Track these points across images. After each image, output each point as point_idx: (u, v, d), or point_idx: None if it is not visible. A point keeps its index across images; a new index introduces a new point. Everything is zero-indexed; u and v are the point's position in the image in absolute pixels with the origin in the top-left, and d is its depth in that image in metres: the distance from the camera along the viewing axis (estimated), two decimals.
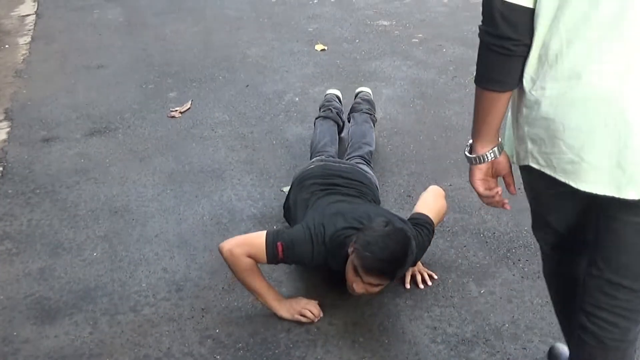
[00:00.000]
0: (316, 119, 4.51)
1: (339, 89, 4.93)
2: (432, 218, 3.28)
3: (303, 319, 3.13)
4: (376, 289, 2.98)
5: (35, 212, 4.07)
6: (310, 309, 3.15)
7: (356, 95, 4.81)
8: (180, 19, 7.49)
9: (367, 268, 2.86)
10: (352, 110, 4.58)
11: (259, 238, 3.08)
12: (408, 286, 3.33)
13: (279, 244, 3.04)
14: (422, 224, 3.24)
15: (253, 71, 6.00)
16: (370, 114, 4.53)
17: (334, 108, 4.55)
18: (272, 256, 3.05)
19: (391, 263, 2.86)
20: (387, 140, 4.67)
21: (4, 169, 4.56)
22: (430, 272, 3.39)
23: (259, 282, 3.15)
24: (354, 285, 2.95)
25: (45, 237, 3.83)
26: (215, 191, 4.20)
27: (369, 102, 4.68)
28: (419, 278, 3.35)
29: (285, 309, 3.16)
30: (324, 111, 4.55)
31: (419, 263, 3.40)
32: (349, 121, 4.55)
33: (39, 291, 3.41)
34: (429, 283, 3.34)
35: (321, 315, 3.15)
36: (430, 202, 3.38)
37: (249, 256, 3.06)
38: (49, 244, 3.77)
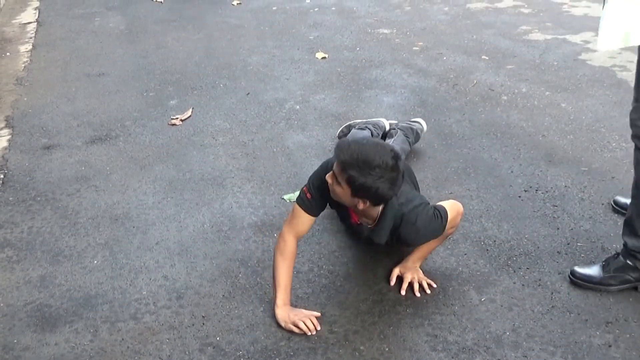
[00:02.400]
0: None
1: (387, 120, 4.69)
2: (449, 213, 3.22)
3: (295, 329, 3.12)
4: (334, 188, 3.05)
5: (36, 219, 4.07)
6: (306, 321, 3.12)
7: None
8: (181, 27, 7.51)
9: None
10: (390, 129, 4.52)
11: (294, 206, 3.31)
12: (404, 292, 3.32)
13: (304, 188, 3.26)
14: (439, 208, 3.21)
15: (254, 79, 6.01)
16: (407, 137, 4.38)
17: (372, 126, 4.42)
18: (302, 201, 3.24)
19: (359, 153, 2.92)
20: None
21: (4, 176, 4.56)
22: (430, 281, 3.38)
23: (281, 275, 3.20)
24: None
25: (46, 244, 3.83)
26: (215, 199, 4.20)
27: (412, 130, 4.48)
28: (416, 286, 3.34)
29: (282, 316, 3.15)
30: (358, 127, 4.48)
31: (419, 271, 3.40)
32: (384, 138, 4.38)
33: (40, 298, 3.41)
34: (427, 291, 3.33)
35: (318, 328, 3.13)
36: (448, 205, 3.32)
37: (292, 231, 3.26)
38: (49, 251, 3.77)
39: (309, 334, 3.11)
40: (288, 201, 4.11)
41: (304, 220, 3.27)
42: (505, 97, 5.41)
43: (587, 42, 6.53)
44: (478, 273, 3.44)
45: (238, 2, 8.47)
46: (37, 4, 8.91)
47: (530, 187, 4.16)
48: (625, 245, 3.29)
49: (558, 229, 3.74)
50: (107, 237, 3.87)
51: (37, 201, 4.26)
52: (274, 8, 8.07)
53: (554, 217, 3.85)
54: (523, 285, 3.34)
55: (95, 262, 3.66)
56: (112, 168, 4.62)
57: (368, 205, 3.05)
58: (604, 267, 3.32)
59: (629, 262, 3.26)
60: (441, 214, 3.19)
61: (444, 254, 3.58)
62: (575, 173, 4.28)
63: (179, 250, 3.72)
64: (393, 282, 3.38)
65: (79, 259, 3.69)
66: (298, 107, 5.38)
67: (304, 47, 6.70)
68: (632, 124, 3.13)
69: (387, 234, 3.24)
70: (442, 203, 3.30)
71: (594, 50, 6.29)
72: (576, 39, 6.65)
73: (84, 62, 6.63)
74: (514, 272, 3.44)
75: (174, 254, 3.69)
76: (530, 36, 6.80)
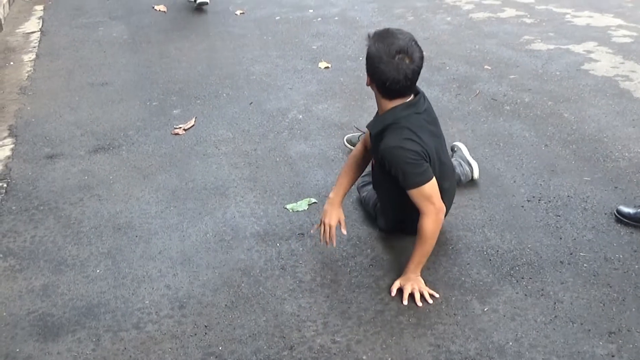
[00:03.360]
0: None
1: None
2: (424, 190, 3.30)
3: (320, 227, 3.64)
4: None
5: (38, 228, 4.08)
6: (326, 228, 3.61)
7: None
8: (184, 37, 7.53)
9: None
10: None
11: None
12: (405, 302, 3.32)
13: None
14: (419, 172, 3.29)
15: (257, 88, 6.02)
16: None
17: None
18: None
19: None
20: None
21: (8, 185, 4.57)
22: (432, 292, 3.37)
23: (343, 177, 3.68)
24: None
25: (49, 253, 3.83)
26: (218, 208, 4.20)
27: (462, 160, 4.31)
28: (417, 295, 3.33)
29: (324, 208, 3.66)
30: None
31: (421, 280, 3.40)
32: None
33: (42, 308, 3.41)
34: (430, 301, 3.33)
35: (332, 243, 3.64)
36: (428, 191, 3.33)
37: (363, 139, 3.68)
38: (52, 260, 3.77)
39: (321, 241, 3.64)
40: (291, 211, 4.11)
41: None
42: (508, 107, 5.41)
43: (589, 52, 6.54)
44: (481, 283, 3.44)
45: (241, 11, 8.48)
46: (41, 13, 8.92)
47: (533, 196, 4.16)
48: None
49: (561, 238, 3.74)
50: (110, 246, 3.87)
51: (40, 210, 4.26)
52: (277, 18, 8.09)
53: (556, 226, 3.85)
54: (526, 295, 3.34)
55: (98, 271, 3.66)
56: (115, 177, 4.63)
57: (372, 85, 3.35)
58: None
59: None
60: (413, 163, 3.26)
61: (447, 264, 3.57)
62: (578, 183, 4.29)
63: (182, 259, 3.72)
64: (394, 293, 3.38)
65: (82, 268, 3.69)
66: (301, 116, 5.38)
67: (307, 56, 6.72)
68: None
69: (378, 128, 3.39)
70: (427, 190, 3.30)
71: (597, 60, 6.30)
72: (579, 49, 6.66)
73: (87, 71, 6.64)
74: (517, 282, 3.43)
75: (176, 263, 3.69)
76: (533, 46, 6.81)
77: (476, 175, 4.33)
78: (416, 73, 3.22)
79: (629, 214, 3.87)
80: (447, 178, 3.59)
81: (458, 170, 4.21)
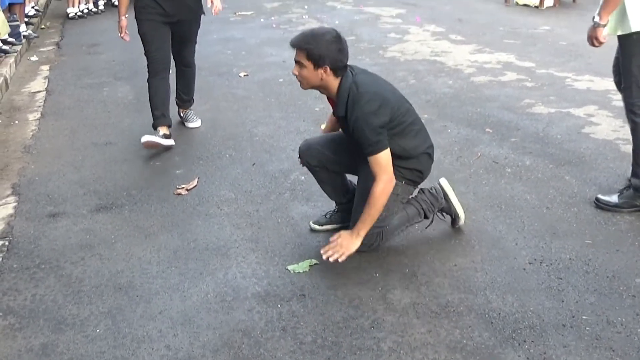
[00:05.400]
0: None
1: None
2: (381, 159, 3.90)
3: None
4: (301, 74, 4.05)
5: (39, 287, 4.07)
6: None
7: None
8: None
9: None
10: None
11: None
12: (324, 257, 3.99)
13: None
14: (379, 139, 3.90)
15: (260, 150, 6.06)
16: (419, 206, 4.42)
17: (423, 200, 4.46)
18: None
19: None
20: None
21: (9, 243, 4.57)
22: (345, 257, 3.99)
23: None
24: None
25: (49, 312, 3.82)
26: (220, 269, 4.20)
27: (435, 197, 4.48)
28: (336, 257, 3.98)
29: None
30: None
31: (355, 245, 4.02)
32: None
33: None
34: (339, 259, 3.98)
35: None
36: (384, 161, 3.93)
37: None
38: (52, 319, 3.75)
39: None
40: (292, 272, 4.11)
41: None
42: (509, 170, 5.44)
43: (590, 115, 6.59)
44: (483, 346, 3.42)
45: (245, 74, 8.58)
46: (47, 73, 9.03)
47: (535, 259, 4.15)
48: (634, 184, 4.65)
49: (563, 301, 3.73)
50: (111, 306, 3.86)
51: (41, 269, 4.26)
52: (281, 80, 8.17)
53: (558, 289, 3.84)
54: (528, 358, 3.32)
55: (98, 330, 3.64)
56: (117, 236, 4.63)
57: (329, 73, 3.93)
58: (619, 196, 4.72)
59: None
60: (374, 132, 3.86)
61: (448, 326, 3.56)
62: (579, 246, 4.29)
63: (182, 320, 3.71)
64: (333, 238, 4.04)
65: (82, 327, 3.68)
66: (303, 177, 5.40)
67: (310, 118, 6.77)
68: (630, 109, 4.58)
69: (344, 106, 3.96)
70: (383, 159, 3.90)
71: (598, 124, 6.35)
72: (579, 112, 6.71)
73: (91, 131, 6.70)
74: (519, 345, 3.41)
75: (177, 324, 3.67)
76: (534, 109, 6.87)
77: (462, 221, 4.51)
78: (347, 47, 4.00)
79: (608, 201, 4.73)
80: (417, 122, 4.18)
81: (442, 204, 4.51)
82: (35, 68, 9.38)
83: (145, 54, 6.13)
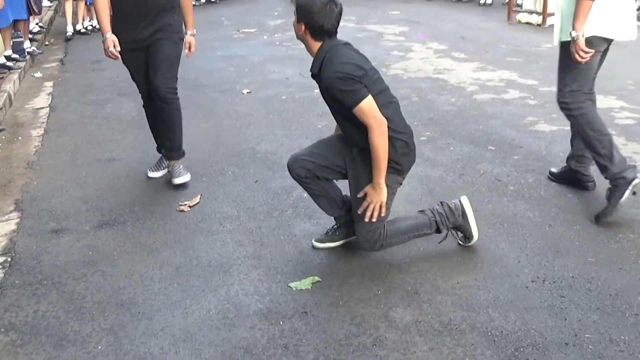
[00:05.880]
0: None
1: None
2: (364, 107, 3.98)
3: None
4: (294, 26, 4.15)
5: (41, 303, 4.07)
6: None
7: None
8: (191, 115, 7.61)
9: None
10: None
11: None
12: (360, 211, 4.15)
13: None
14: (358, 94, 3.98)
15: (262, 167, 6.06)
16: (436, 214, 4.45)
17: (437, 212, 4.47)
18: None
19: None
20: None
21: (12, 259, 4.58)
22: (384, 209, 4.14)
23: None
24: None
25: (51, 328, 3.81)
26: (222, 285, 4.20)
27: (452, 212, 4.48)
28: (373, 214, 4.13)
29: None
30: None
31: (384, 192, 4.10)
32: None
33: None
34: (382, 214, 4.14)
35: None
36: (368, 108, 3.99)
37: None
38: (54, 335, 3.75)
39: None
40: (294, 289, 4.10)
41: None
42: (511, 187, 5.44)
43: None
44: None
45: (248, 91, 8.60)
46: (50, 89, 9.07)
47: (538, 277, 4.15)
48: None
49: (566, 320, 3.72)
50: (112, 322, 3.85)
51: (43, 285, 4.26)
52: (283, 97, 8.19)
53: (561, 307, 3.83)
54: None
55: (100, 347, 3.64)
56: (120, 253, 4.64)
57: (306, 32, 4.09)
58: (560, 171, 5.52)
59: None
60: (350, 84, 3.95)
61: (451, 344, 3.55)
62: (582, 264, 4.28)
63: (184, 337, 3.70)
64: (361, 194, 4.15)
65: (83, 344, 3.67)
66: (305, 195, 5.38)
67: (313, 135, 6.77)
68: (563, 107, 5.03)
69: (319, 63, 4.08)
70: (367, 106, 3.97)
71: None
72: None
73: (94, 147, 6.71)
74: None
75: (179, 341, 3.67)
76: (537, 127, 6.88)
77: (473, 242, 4.51)
78: (340, 15, 4.09)
79: (553, 172, 5.52)
80: (394, 102, 4.25)
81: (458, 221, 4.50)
82: (39, 84, 9.42)
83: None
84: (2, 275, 4.38)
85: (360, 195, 4.17)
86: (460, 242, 4.54)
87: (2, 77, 9.05)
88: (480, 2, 15.46)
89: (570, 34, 4.65)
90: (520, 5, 13.33)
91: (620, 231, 4.66)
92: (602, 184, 5.13)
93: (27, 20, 10.95)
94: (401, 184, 4.33)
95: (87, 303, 4.06)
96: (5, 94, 8.20)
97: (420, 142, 6.52)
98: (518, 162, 5.97)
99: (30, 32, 11.70)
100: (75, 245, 4.76)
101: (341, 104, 4.04)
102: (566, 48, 4.82)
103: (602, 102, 7.56)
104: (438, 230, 4.41)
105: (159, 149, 5.92)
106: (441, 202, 4.48)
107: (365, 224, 4.20)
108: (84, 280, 4.31)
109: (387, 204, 4.18)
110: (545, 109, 7.47)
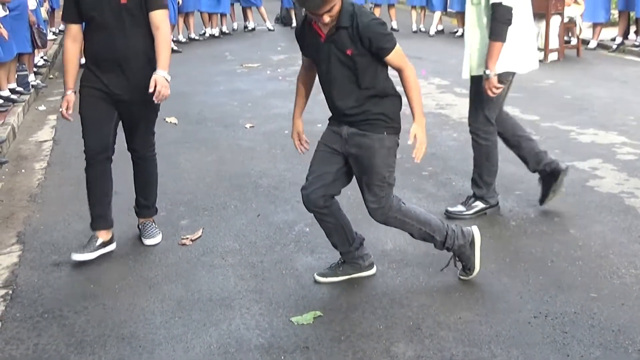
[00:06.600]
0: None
1: None
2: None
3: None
4: (321, 19, 4.00)
5: (42, 336, 4.06)
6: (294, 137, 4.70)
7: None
8: (194, 148, 7.65)
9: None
10: None
11: None
12: (411, 142, 4.25)
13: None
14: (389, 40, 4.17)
15: (264, 201, 6.07)
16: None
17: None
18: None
19: None
20: (397, 272, 4.68)
21: (13, 292, 4.57)
22: (423, 151, 4.29)
23: (299, 99, 4.64)
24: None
25: None
26: (223, 320, 4.19)
27: (464, 236, 4.49)
28: (420, 154, 4.28)
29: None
30: None
31: (424, 128, 4.30)
32: None
33: None
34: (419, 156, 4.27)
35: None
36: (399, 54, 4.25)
37: (303, 64, 4.53)
38: None
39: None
40: (296, 324, 4.09)
41: (304, 58, 4.49)
42: (513, 223, 5.44)
43: (594, 168, 6.61)
44: None
45: (251, 125, 8.63)
46: (54, 122, 9.10)
47: (540, 312, 4.14)
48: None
49: (568, 356, 3.71)
50: (113, 356, 3.84)
51: (45, 318, 4.25)
52: (286, 132, 8.20)
53: (564, 343, 3.82)
54: None
55: None
56: (121, 286, 4.63)
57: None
58: (464, 204, 5.66)
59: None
60: (387, 30, 4.15)
61: None
62: (584, 299, 4.27)
63: None
64: (411, 141, 4.24)
65: None
66: (308, 229, 5.41)
67: None
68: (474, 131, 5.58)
69: (349, 18, 4.03)
70: (400, 49, 4.22)
71: (602, 177, 6.36)
72: (584, 165, 6.73)
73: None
74: None
75: None
76: None
77: (472, 275, 4.53)
78: None
79: (458, 211, 5.61)
80: None
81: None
82: (42, 117, 9.47)
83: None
84: (3, 307, 4.38)
85: (411, 141, 4.25)
86: (460, 275, 4.53)
87: (6, 110, 9.09)
88: None
89: (485, 72, 5.23)
90: None
91: (623, 267, 4.65)
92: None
93: (32, 54, 11.03)
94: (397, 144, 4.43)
95: (88, 336, 4.05)
96: (9, 127, 8.24)
97: (422, 177, 6.54)
98: (520, 197, 5.98)
99: (35, 66, 11.78)
100: (77, 278, 4.76)
101: (369, 57, 4.14)
102: (477, 81, 5.38)
103: (604, 137, 7.60)
104: (443, 245, 4.42)
105: (93, 225, 5.14)
106: (456, 224, 4.51)
107: (377, 187, 4.30)
108: (85, 314, 4.30)
109: (391, 164, 4.34)
110: (547, 144, 7.47)
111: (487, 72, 5.19)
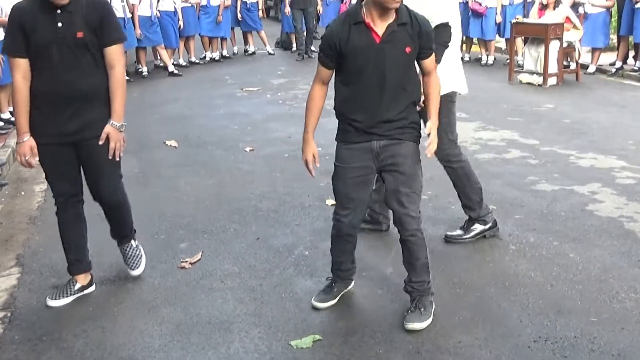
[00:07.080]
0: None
1: None
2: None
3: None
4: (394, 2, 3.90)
5: (41, 359, 4.04)
6: (308, 159, 4.61)
7: None
8: (194, 172, 7.66)
9: None
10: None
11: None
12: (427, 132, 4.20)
13: (319, 54, 4.26)
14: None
15: (264, 224, 6.07)
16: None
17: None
18: (320, 59, 4.30)
19: None
20: (396, 295, 4.66)
21: (12, 314, 4.56)
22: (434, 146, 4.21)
23: (311, 118, 4.44)
24: None
25: None
26: (222, 343, 4.17)
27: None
28: (432, 148, 4.19)
29: (303, 148, 4.59)
30: None
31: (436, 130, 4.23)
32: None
33: None
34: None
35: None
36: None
37: (319, 79, 4.35)
38: None
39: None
40: (295, 347, 4.08)
41: (325, 71, 4.31)
42: (513, 247, 5.44)
43: (594, 192, 6.62)
44: None
45: (251, 148, 8.65)
46: None
47: (540, 337, 4.13)
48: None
49: None
50: None
51: (43, 341, 4.24)
52: (286, 155, 8.23)
53: None
54: None
55: None
56: (120, 309, 4.62)
57: None
58: (463, 227, 5.64)
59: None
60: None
61: None
62: (584, 323, 4.26)
63: None
64: (428, 132, 4.21)
65: None
66: (307, 252, 5.41)
67: (314, 194, 6.79)
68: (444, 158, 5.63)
69: (408, 16, 4.02)
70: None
71: (601, 201, 6.36)
72: (583, 189, 6.74)
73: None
74: None
75: None
76: (538, 186, 6.90)
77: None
78: None
79: (456, 235, 5.60)
80: None
81: None
82: None
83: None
84: (1, 330, 4.37)
85: (427, 132, 4.22)
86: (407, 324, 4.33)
87: (6, 133, 9.12)
88: (482, 62, 15.60)
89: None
90: (521, 66, 13.43)
91: (623, 291, 4.65)
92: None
93: None
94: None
95: (86, 359, 4.04)
96: (9, 149, 8.25)
97: (422, 201, 6.52)
98: (519, 221, 5.98)
99: None
100: (76, 301, 4.75)
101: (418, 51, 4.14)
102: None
103: (603, 162, 7.61)
104: (427, 283, 4.41)
105: (70, 270, 4.87)
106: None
107: (417, 195, 4.31)
108: (83, 337, 4.29)
109: (419, 175, 4.33)
110: (547, 168, 7.50)
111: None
